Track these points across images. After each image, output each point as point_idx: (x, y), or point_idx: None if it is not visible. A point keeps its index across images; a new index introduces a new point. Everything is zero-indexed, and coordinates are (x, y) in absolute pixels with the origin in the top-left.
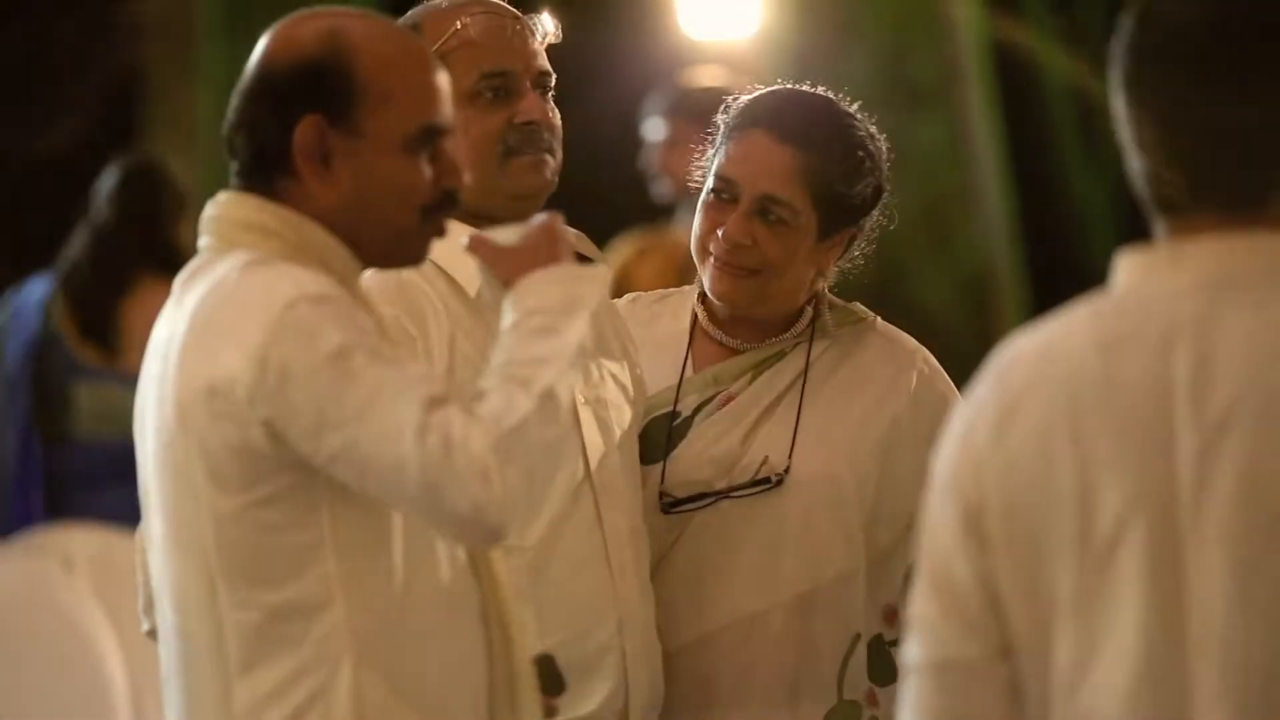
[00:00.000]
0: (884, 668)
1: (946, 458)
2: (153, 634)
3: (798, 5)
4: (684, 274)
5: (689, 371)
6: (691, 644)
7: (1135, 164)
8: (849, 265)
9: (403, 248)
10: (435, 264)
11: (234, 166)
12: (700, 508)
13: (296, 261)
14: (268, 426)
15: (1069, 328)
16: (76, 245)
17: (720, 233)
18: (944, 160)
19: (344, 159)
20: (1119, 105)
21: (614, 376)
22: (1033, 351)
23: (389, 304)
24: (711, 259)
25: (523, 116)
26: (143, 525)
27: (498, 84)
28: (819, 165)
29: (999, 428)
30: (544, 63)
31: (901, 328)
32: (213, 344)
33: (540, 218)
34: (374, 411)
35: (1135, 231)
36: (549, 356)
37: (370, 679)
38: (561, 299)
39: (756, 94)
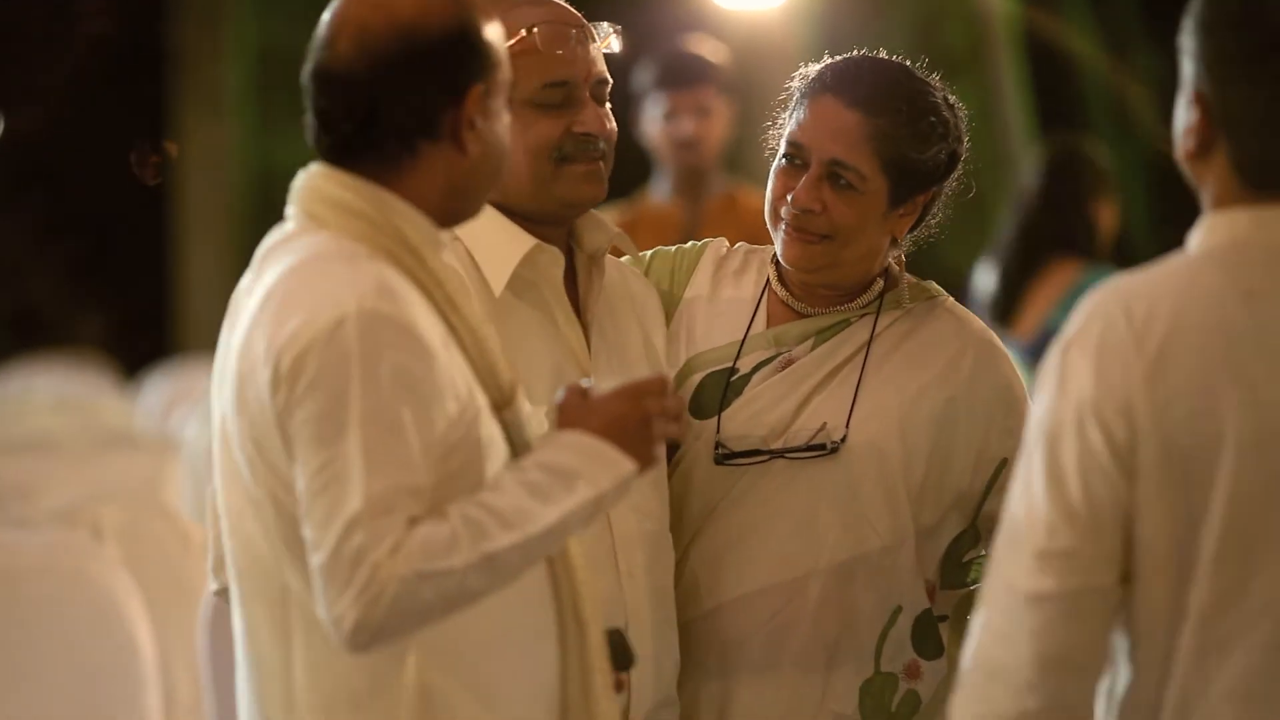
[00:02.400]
0: (933, 642)
1: (1078, 397)
2: (221, 594)
3: None
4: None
5: (754, 330)
6: (726, 605)
7: (1246, 138)
8: (926, 233)
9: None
10: (471, 254)
11: (323, 139)
12: (753, 463)
13: (375, 245)
14: (278, 417)
15: (1194, 278)
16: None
17: (790, 198)
18: (974, 129)
19: (486, 122)
20: (1217, 84)
21: (627, 374)
22: (1164, 299)
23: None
24: (783, 224)
25: (581, 127)
26: (214, 484)
27: (559, 94)
28: (888, 130)
29: (1151, 371)
30: (603, 70)
31: None
32: (271, 328)
33: (639, 380)
34: (332, 475)
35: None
36: (520, 521)
37: (434, 665)
38: (573, 468)
39: (829, 61)
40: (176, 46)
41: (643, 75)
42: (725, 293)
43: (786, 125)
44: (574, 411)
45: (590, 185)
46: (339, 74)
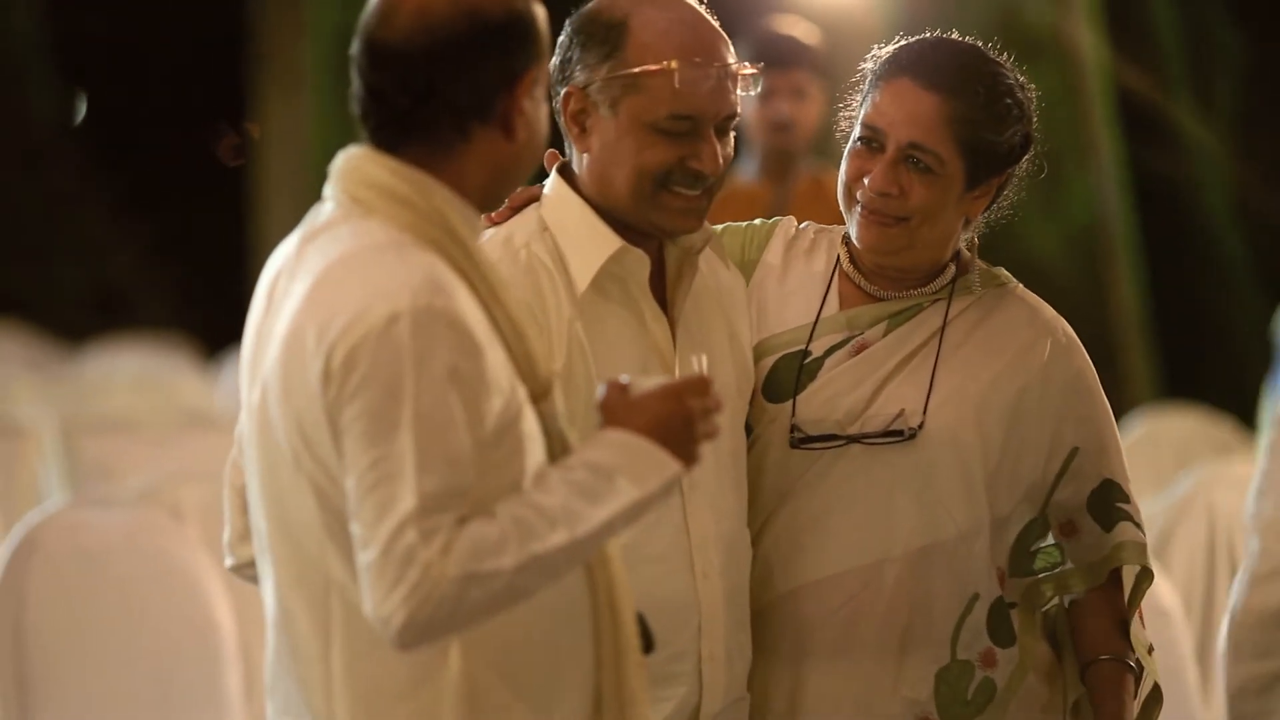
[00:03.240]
0: (1006, 629)
1: None
2: (236, 569)
3: None
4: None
5: (826, 312)
6: (800, 589)
7: None
8: (998, 214)
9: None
10: (561, 251)
11: (372, 116)
12: (830, 448)
13: (420, 233)
14: (328, 411)
15: None
16: None
17: (867, 180)
18: (1056, 111)
19: (533, 109)
20: None
21: (713, 368)
22: None
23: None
24: (858, 207)
25: (695, 164)
26: (234, 462)
27: (683, 126)
28: (965, 112)
29: None
30: (734, 106)
31: None
32: (321, 319)
33: (681, 380)
34: (384, 473)
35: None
36: (567, 522)
37: (476, 657)
38: (619, 466)
39: (904, 42)
40: (255, 27)
41: (737, 55)
42: (796, 272)
43: (861, 108)
44: (617, 410)
45: (686, 220)
46: (396, 49)
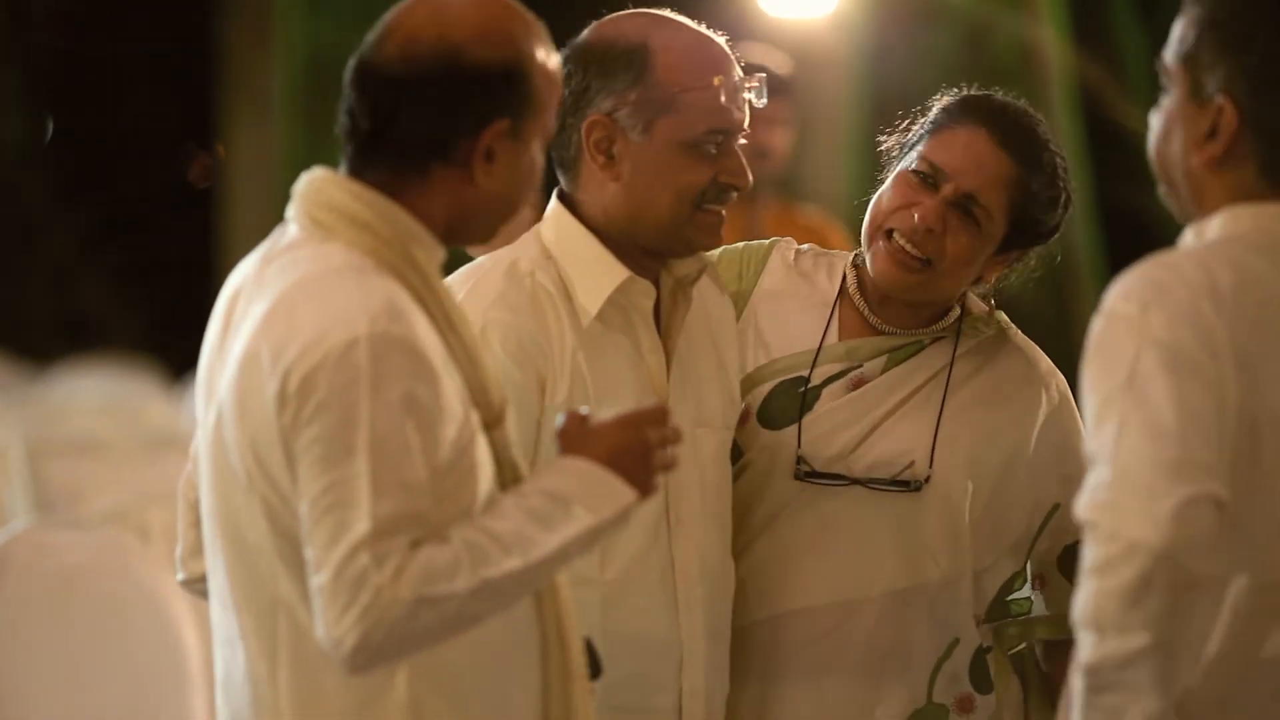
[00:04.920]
0: (985, 677)
1: None
2: (187, 584)
3: None
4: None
5: (830, 339)
6: (776, 618)
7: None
8: (999, 285)
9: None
10: (565, 280)
11: (346, 135)
12: (833, 485)
13: (381, 259)
14: (283, 434)
15: (1235, 258)
16: None
17: (916, 214)
18: None
19: (506, 158)
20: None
21: (700, 401)
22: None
23: (514, 312)
24: (885, 238)
25: (728, 178)
26: (189, 477)
27: (719, 141)
28: (1028, 182)
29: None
30: (746, 119)
31: None
32: (277, 342)
33: (639, 410)
34: (338, 498)
35: None
36: (521, 547)
37: (423, 681)
38: (575, 495)
39: (975, 92)
40: (225, 50)
41: None
42: (797, 297)
43: (921, 141)
44: (575, 438)
45: (715, 236)
46: (375, 72)
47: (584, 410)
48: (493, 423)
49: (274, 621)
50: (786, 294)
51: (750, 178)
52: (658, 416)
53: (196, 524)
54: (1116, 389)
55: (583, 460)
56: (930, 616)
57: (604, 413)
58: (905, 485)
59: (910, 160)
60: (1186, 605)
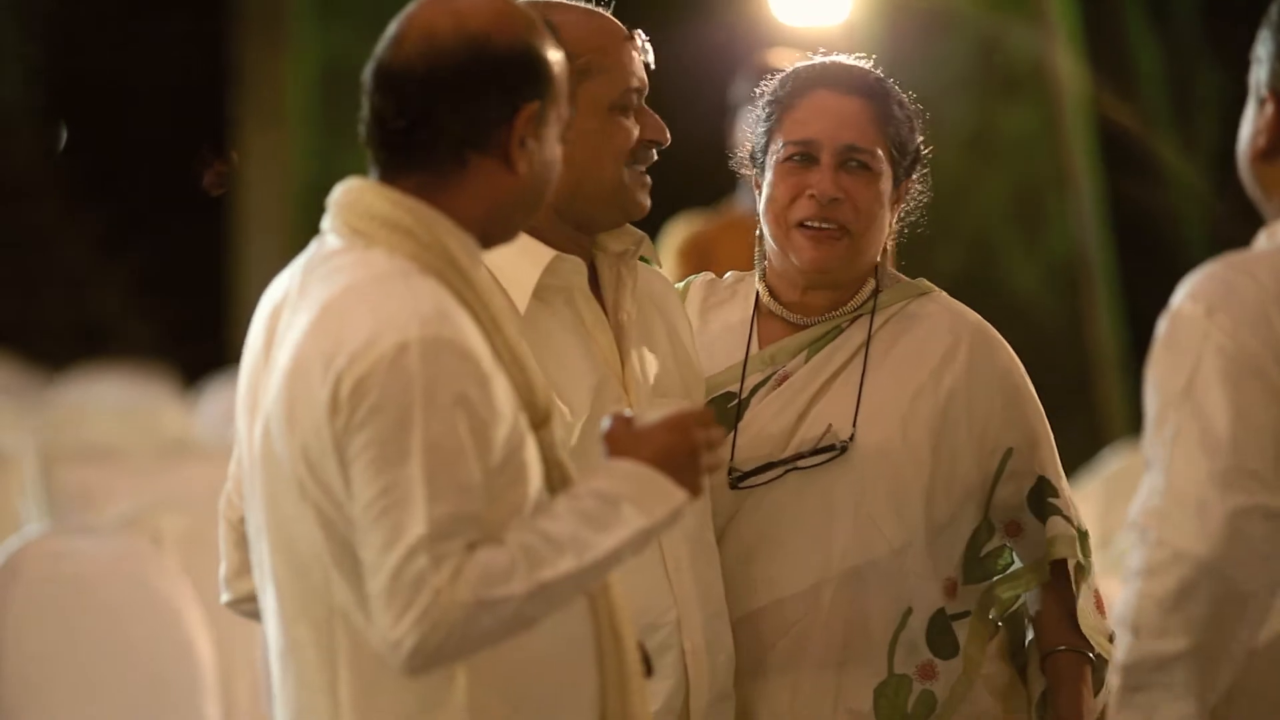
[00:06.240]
0: (947, 642)
1: None
2: (233, 604)
3: None
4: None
5: (753, 350)
6: (746, 618)
7: None
8: (904, 230)
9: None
10: (493, 271)
11: (374, 139)
12: (768, 480)
13: (423, 263)
14: (336, 440)
15: None
16: None
17: (811, 193)
18: (1037, 146)
19: (536, 144)
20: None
21: (657, 372)
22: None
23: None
24: (796, 229)
25: (650, 134)
26: (229, 497)
27: (635, 98)
28: (886, 112)
29: None
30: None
31: (991, 312)
32: (328, 348)
33: (685, 411)
34: (393, 500)
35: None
36: (574, 548)
37: (482, 683)
38: (626, 495)
39: (801, 65)
40: (239, 59)
41: (740, 88)
42: (714, 324)
43: (775, 131)
44: (623, 441)
45: (646, 195)
46: (398, 72)
47: (628, 413)
48: (540, 423)
49: (331, 631)
50: (705, 326)
51: (669, 134)
52: (704, 418)
53: (239, 544)
54: (1175, 396)
55: (632, 462)
56: (883, 589)
57: (649, 415)
58: (831, 450)
59: (776, 153)
60: (1234, 613)
